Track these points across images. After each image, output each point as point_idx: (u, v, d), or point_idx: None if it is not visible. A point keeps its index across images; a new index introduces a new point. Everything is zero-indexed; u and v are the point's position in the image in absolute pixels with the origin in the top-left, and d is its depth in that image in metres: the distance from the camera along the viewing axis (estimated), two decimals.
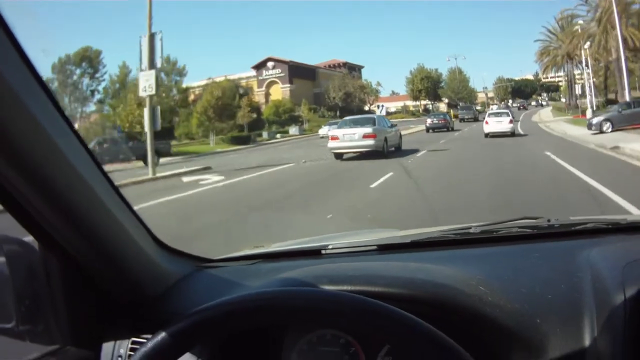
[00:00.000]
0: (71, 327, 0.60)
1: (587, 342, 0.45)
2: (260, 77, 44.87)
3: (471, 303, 0.51)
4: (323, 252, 0.77)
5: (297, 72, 41.81)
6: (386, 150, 11.04)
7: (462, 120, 27.60)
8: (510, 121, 13.15)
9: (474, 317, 0.50)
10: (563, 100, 77.20)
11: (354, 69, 50.63)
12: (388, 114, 59.08)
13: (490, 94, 73.33)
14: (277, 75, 41.53)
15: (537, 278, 0.57)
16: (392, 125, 12.28)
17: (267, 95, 42.60)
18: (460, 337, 0.40)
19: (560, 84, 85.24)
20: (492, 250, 0.71)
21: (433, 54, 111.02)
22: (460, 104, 37.23)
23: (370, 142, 9.76)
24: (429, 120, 22.14)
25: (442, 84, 45.63)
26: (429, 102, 50.26)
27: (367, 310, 0.39)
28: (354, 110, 43.67)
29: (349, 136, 9.80)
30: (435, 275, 0.57)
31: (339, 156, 10.76)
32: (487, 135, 12.72)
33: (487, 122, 13.19)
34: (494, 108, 27.28)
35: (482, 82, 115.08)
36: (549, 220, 0.79)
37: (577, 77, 75.31)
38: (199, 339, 0.41)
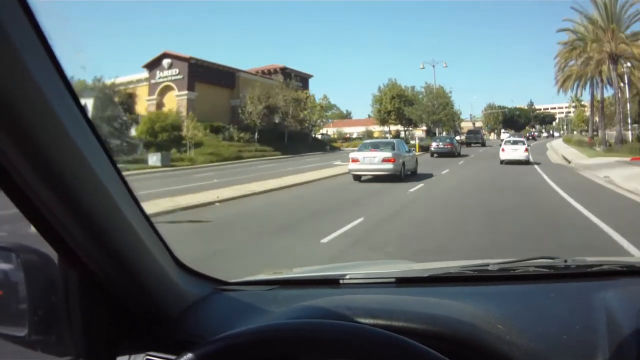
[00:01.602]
0: (85, 339, 0.93)
1: None
2: (152, 80, 40.82)
3: (490, 341, 0.82)
4: (341, 281, 1.21)
5: (204, 75, 39.95)
6: (403, 174, 16.08)
7: (469, 144, 42.83)
8: (526, 149, 21.78)
9: (492, 355, 0.80)
10: (557, 134, 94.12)
11: (296, 78, 46.66)
12: (345, 139, 59.83)
13: (479, 123, 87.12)
14: (173, 78, 39.93)
15: (553, 318, 0.91)
16: (409, 150, 18.77)
17: (160, 105, 39.19)
18: None
19: (558, 114, 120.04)
20: (509, 289, 1.13)
21: (410, 73, 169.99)
22: (442, 132, 46.83)
23: (389, 166, 15.53)
24: (434, 144, 31.48)
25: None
26: (402, 128, 54.08)
27: (397, 346, 0.67)
28: (284, 134, 40.87)
29: (369, 159, 15.77)
30: (456, 311, 0.91)
31: (357, 178, 16.21)
32: (502, 162, 20.98)
33: (503, 150, 21.99)
34: (504, 136, 45.49)
35: (469, 108, 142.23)
36: (565, 261, 1.25)
37: (579, 104, 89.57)
38: None
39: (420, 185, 14.62)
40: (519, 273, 1.26)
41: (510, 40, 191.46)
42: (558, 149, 35.04)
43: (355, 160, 16.51)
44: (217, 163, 28.95)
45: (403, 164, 16.58)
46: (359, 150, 17.60)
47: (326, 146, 48.36)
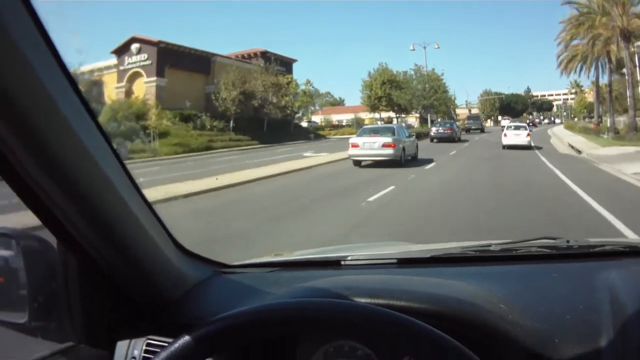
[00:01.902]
0: (86, 325, 1.00)
1: None
2: (121, 67, 40.42)
3: (492, 320, 0.89)
4: (342, 263, 1.29)
5: (176, 60, 39.44)
6: (404, 159, 17.17)
7: (469, 130, 46.56)
8: (528, 134, 23.53)
9: (495, 334, 0.87)
10: (558, 120, 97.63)
11: (277, 62, 45.73)
12: (333, 127, 60.67)
13: (475, 110, 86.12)
14: (142, 64, 39.45)
15: (556, 298, 0.98)
16: (410, 135, 20.19)
17: (130, 93, 38.89)
18: (480, 354, 0.72)
19: (556, 102, 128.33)
20: (512, 269, 1.21)
21: (403, 59, 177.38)
22: (439, 119, 47.32)
23: (390, 151, 16.68)
24: (433, 129, 33.86)
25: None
26: (395, 115, 54.89)
27: (398, 324, 0.72)
28: (264, 122, 41.15)
29: (369, 144, 16.95)
30: (458, 291, 0.98)
31: (357, 163, 17.33)
32: (504, 147, 22.68)
33: (505, 135, 23.81)
34: (504, 123, 46.29)
35: (464, 94, 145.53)
36: (568, 241, 1.33)
37: (580, 90, 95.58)
38: (223, 345, 0.76)
39: (426, 167, 16.31)
40: (521, 253, 1.36)
41: (506, 26, 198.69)
42: (563, 136, 33.82)
43: (355, 146, 17.61)
44: (182, 155, 28.16)
45: (403, 149, 17.68)
46: (359, 135, 18.75)
47: (310, 134, 48.22)
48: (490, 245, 1.41)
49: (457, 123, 44.62)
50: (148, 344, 1.08)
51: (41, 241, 1.02)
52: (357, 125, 53.10)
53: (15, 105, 0.72)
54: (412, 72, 53.92)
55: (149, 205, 1.06)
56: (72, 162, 0.83)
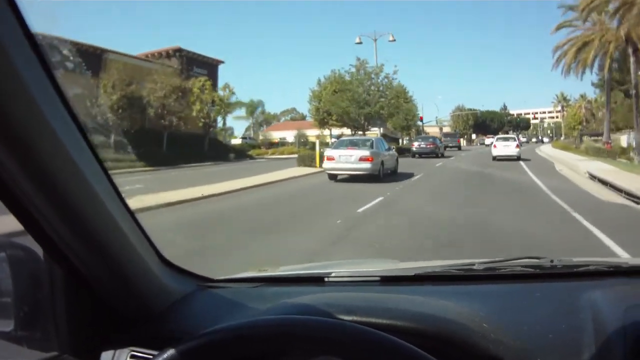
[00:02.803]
0: (70, 335, 1.25)
1: None
2: None
3: (475, 339, 1.15)
4: (326, 279, 1.63)
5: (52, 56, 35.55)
6: (382, 173, 20.15)
7: (445, 148, 50.91)
8: (517, 146, 33.03)
9: (477, 353, 1.13)
10: (546, 139, 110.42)
11: (195, 64, 47.60)
12: (271, 145, 61.39)
13: (447, 129, 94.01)
14: None
15: (539, 317, 1.26)
16: (389, 149, 23.66)
17: None
18: None
19: (534, 120, 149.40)
20: (495, 288, 1.54)
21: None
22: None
23: (367, 165, 19.77)
24: (415, 144, 41.05)
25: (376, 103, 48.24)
26: (350, 131, 51.09)
27: (379, 343, 0.99)
28: (163, 136, 38.71)
29: (345, 157, 20.00)
30: (441, 310, 1.25)
31: (333, 177, 20.30)
32: (494, 158, 31.95)
33: (495, 146, 34.02)
34: (488, 141, 61.01)
35: (435, 111, 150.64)
36: (551, 261, 1.69)
37: (566, 104, 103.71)
38: None
39: (405, 182, 18.05)
40: (504, 272, 1.70)
41: (480, 41, 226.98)
42: (567, 160, 30.58)
43: (330, 159, 20.24)
44: None
45: (382, 163, 20.38)
46: (335, 147, 21.18)
47: (230, 154, 47.09)
48: (474, 264, 1.74)
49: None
50: (132, 356, 1.34)
51: (27, 251, 1.25)
52: (300, 144, 56.70)
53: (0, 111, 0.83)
54: (353, 70, 47.50)
55: (134, 217, 1.30)
56: (57, 173, 1.03)
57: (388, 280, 1.72)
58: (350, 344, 1.01)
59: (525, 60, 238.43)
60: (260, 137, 73.17)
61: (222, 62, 57.83)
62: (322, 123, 56.57)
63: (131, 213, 1.29)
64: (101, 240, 1.20)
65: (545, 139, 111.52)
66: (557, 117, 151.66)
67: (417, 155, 39.21)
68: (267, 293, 1.66)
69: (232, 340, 1.06)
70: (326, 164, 21.49)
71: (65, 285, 1.29)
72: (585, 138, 54.45)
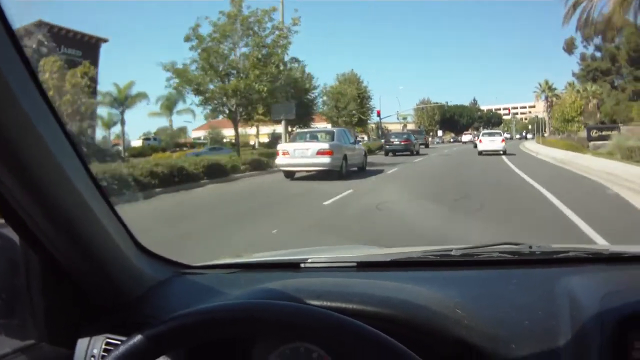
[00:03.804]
0: (47, 323, 1.40)
1: None
2: None
3: (447, 325, 1.26)
4: (302, 265, 1.80)
5: None
6: (345, 170, 19.78)
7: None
8: (503, 140, 36.30)
9: (450, 339, 1.25)
10: (530, 135, 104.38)
11: (65, 43, 40.06)
12: (178, 146, 53.86)
13: (411, 126, 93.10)
14: None
15: (515, 304, 1.37)
16: (356, 142, 23.16)
17: None
18: (434, 359, 1.17)
19: (506, 116, 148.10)
20: (472, 274, 1.66)
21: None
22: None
23: (326, 159, 19.32)
24: (389, 141, 41.41)
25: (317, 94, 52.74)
26: (289, 129, 42.81)
27: (343, 327, 1.08)
28: None
29: (301, 152, 19.68)
30: (413, 295, 1.36)
31: (289, 174, 19.98)
32: (480, 153, 35.33)
33: (480, 141, 37.26)
34: (465, 138, 64.69)
35: (396, 105, 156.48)
36: (530, 247, 1.84)
37: (552, 94, 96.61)
38: (175, 345, 1.15)
39: (372, 178, 18.43)
40: (482, 258, 1.82)
41: (446, 32, 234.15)
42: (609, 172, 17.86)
43: (285, 153, 19.97)
44: None
45: (344, 157, 20.12)
46: (292, 140, 20.65)
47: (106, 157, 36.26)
48: (451, 250, 1.87)
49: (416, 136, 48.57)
50: (107, 343, 1.45)
51: (3, 238, 1.37)
52: (214, 142, 53.58)
53: None
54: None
55: (110, 205, 1.41)
56: (33, 162, 1.13)
57: (364, 266, 1.84)
58: (314, 328, 1.11)
59: (497, 52, 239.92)
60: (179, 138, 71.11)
61: (106, 40, 49.83)
62: (248, 117, 46.57)
63: (108, 201, 1.40)
64: (77, 228, 1.31)
65: (529, 135, 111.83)
66: (530, 112, 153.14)
67: (390, 153, 40.40)
68: (242, 279, 1.78)
69: (199, 323, 1.15)
70: (279, 160, 21.10)
71: (42, 272, 1.40)
72: (594, 133, 45.15)
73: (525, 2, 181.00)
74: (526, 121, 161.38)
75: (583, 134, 54.31)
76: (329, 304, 1.34)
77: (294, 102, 36.36)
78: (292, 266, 1.90)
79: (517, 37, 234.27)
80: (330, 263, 1.91)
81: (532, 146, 49.76)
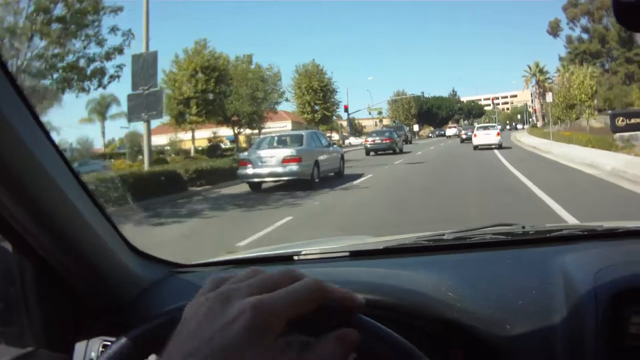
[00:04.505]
0: (44, 329, 1.52)
1: (558, 346, 1.27)
2: None
3: (439, 309, 1.35)
4: (295, 258, 1.94)
5: None
6: (316, 177, 19.08)
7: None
8: (498, 134, 38.79)
9: (442, 323, 1.32)
10: (520, 126, 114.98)
11: None
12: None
13: (386, 121, 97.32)
14: None
15: (509, 284, 1.49)
16: (329, 144, 22.42)
17: None
18: (428, 343, 1.19)
19: (487, 107, 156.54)
20: (464, 257, 1.80)
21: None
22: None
23: (293, 167, 18.40)
24: (369, 140, 42.42)
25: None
26: (234, 131, 49.77)
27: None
28: None
29: (265, 160, 18.69)
30: (404, 281, 1.47)
31: (255, 187, 18.98)
32: (476, 147, 37.67)
33: (475, 135, 39.76)
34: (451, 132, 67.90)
35: (367, 97, 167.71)
36: (523, 227, 2.04)
37: (542, 79, 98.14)
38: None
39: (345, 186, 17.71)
40: (475, 241, 1.93)
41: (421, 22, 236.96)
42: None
43: (245, 163, 19.23)
44: None
45: (316, 164, 19.57)
46: (255, 147, 20.23)
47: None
48: (444, 234, 1.97)
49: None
50: (104, 345, 1.53)
51: None
52: (135, 153, 46.51)
53: None
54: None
55: (100, 209, 1.52)
56: (22, 170, 1.25)
57: (357, 255, 1.96)
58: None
59: (475, 39, 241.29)
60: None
61: None
62: (179, 118, 46.84)
63: (98, 205, 1.51)
64: (69, 234, 1.42)
65: (519, 126, 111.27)
66: (512, 102, 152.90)
67: (372, 152, 40.96)
68: None
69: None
70: (241, 171, 20.12)
71: (36, 278, 1.50)
72: (620, 121, 32.70)
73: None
74: (508, 111, 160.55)
75: (596, 122, 52.78)
76: None
77: (163, 92, 30.74)
78: (286, 259, 2.03)
79: (496, 22, 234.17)
80: (323, 254, 2.02)
81: (534, 141, 45.05)
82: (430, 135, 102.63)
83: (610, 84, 66.10)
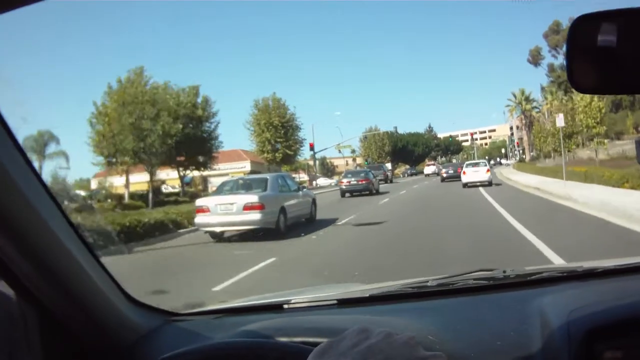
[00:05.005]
0: None
1: None
2: None
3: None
4: (285, 306, 2.24)
5: None
6: (284, 225, 18.42)
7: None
8: (487, 170, 40.13)
9: None
10: (504, 161, 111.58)
11: None
12: None
13: (359, 160, 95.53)
14: None
15: (488, 327, 1.74)
16: (299, 188, 21.83)
17: None
18: None
19: (465, 143, 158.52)
20: (447, 302, 2.11)
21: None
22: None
23: (256, 216, 17.50)
24: (344, 181, 41.86)
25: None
26: (184, 171, 49.73)
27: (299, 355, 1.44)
28: None
29: (225, 207, 17.73)
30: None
31: (215, 236, 18.12)
32: (465, 185, 38.93)
33: (464, 173, 40.95)
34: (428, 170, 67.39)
35: (337, 135, 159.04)
36: (504, 271, 2.33)
37: (528, 107, 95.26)
38: None
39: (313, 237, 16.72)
40: (457, 287, 2.12)
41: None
42: None
43: (202, 211, 18.39)
44: None
45: (282, 210, 18.84)
46: (216, 193, 19.78)
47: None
48: (427, 281, 2.23)
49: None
50: None
51: (0, 294, 1.60)
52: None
53: None
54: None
55: (99, 262, 1.74)
56: (25, 225, 1.46)
57: (345, 303, 2.17)
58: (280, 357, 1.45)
59: (451, 73, 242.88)
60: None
61: None
62: (111, 160, 44.68)
63: (96, 258, 1.72)
64: (68, 284, 1.62)
65: (504, 161, 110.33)
66: (490, 136, 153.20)
67: (347, 194, 40.77)
68: (228, 323, 2.14)
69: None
70: (198, 219, 19.02)
71: (39, 324, 1.64)
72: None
73: (480, 11, 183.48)
74: (487, 146, 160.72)
75: (603, 154, 47.95)
76: (306, 339, 1.59)
77: None
78: (276, 308, 2.23)
79: (473, 53, 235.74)
80: (312, 302, 2.22)
81: (531, 180, 38.75)
82: (407, 173, 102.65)
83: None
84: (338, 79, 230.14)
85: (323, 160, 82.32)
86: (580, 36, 1.38)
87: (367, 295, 2.23)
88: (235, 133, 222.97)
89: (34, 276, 1.56)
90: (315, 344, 1.27)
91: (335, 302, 2.18)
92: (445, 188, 42.11)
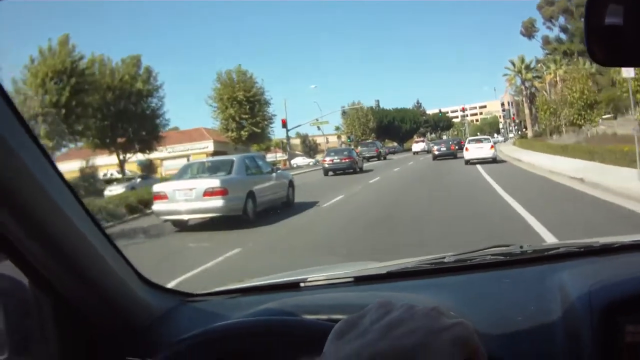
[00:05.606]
0: (61, 358, 1.81)
1: (557, 358, 1.57)
2: None
3: None
4: (302, 285, 2.43)
5: None
6: (252, 212, 17.63)
7: (363, 159, 54.20)
8: (492, 147, 40.61)
9: None
10: (500, 138, 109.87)
11: None
12: None
13: (344, 137, 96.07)
14: None
15: (507, 302, 1.84)
16: (272, 170, 20.79)
17: None
18: None
19: (455, 119, 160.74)
20: (465, 278, 2.24)
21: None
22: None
23: (218, 202, 16.65)
24: (327, 159, 42.56)
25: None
26: (124, 155, 48.59)
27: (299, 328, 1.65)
28: None
29: (184, 193, 16.95)
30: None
31: (178, 224, 17.63)
32: (467, 162, 38.69)
33: (467, 149, 40.78)
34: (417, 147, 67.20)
35: (316, 111, 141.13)
36: (521, 247, 2.50)
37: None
38: None
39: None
40: (475, 263, 2.19)
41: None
42: None
43: (160, 197, 17.76)
44: None
45: (251, 195, 18.12)
46: (176, 177, 19.31)
47: None
48: (444, 258, 2.34)
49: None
50: None
51: (13, 281, 1.66)
52: None
53: None
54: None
55: (112, 243, 1.81)
56: (37, 209, 1.51)
57: (362, 280, 2.31)
58: (310, 338, 1.47)
59: (440, 46, 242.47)
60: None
61: None
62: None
63: (108, 238, 1.80)
64: (82, 267, 1.69)
65: (499, 138, 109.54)
66: (481, 112, 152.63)
67: (330, 173, 41.75)
68: (244, 302, 2.23)
69: (213, 340, 1.63)
70: (156, 206, 18.36)
71: (53, 310, 1.71)
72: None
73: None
74: (477, 123, 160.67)
75: (622, 129, 41.06)
76: (325, 317, 1.66)
77: None
78: (293, 286, 2.38)
79: (463, 25, 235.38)
80: (328, 280, 2.35)
81: (544, 161, 32.42)
82: (393, 151, 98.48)
83: (599, 86, 63.63)
84: (313, 47, 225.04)
85: (305, 139, 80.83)
86: (594, 13, 1.39)
87: (385, 272, 2.33)
88: (198, 110, 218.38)
89: (48, 262, 1.62)
90: (337, 321, 1.26)
91: (352, 279, 2.28)
92: (443, 167, 41.29)
